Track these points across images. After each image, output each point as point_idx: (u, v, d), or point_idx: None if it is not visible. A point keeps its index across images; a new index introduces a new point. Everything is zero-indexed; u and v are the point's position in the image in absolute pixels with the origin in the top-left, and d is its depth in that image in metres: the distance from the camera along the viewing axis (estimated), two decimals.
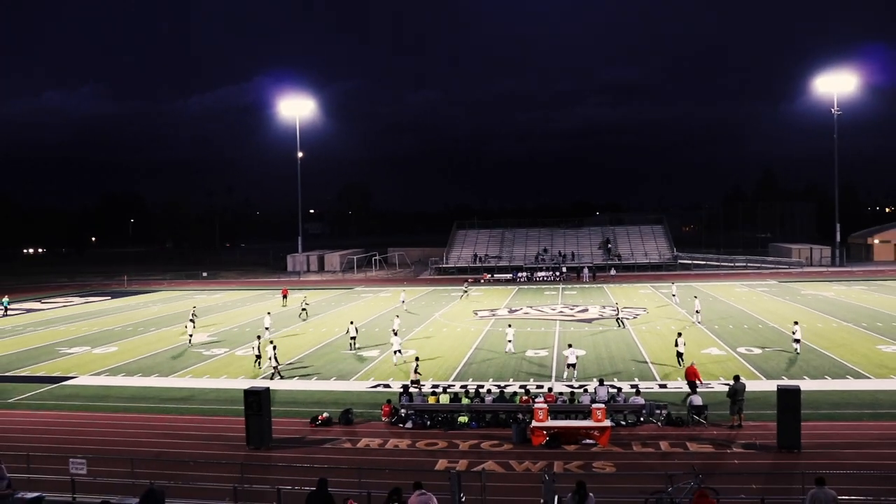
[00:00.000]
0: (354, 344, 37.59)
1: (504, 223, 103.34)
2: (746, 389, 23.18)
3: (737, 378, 23.17)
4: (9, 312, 56.57)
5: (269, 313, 45.93)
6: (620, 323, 43.12)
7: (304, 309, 50.58)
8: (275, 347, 31.82)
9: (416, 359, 29.84)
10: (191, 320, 42.99)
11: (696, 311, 43.96)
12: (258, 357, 33.35)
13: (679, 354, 31.58)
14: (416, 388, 26.32)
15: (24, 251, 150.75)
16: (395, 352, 34.00)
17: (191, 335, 40.75)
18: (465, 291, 63.19)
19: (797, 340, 33.94)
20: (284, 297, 60.38)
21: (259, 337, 35.69)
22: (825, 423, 22.66)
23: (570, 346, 31.20)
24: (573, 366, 29.67)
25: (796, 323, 35.17)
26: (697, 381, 25.55)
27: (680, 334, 32.94)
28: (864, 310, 47.13)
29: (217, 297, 66.68)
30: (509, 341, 36.18)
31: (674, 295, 55.43)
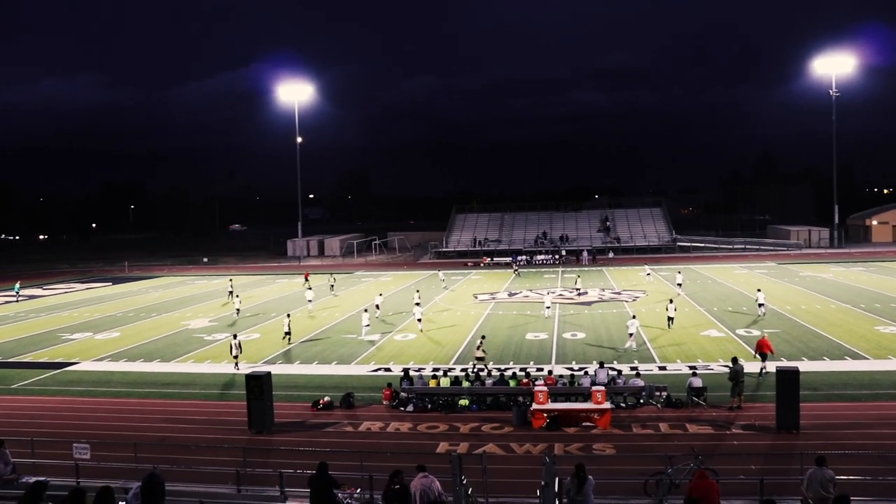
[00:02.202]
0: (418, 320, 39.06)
1: (503, 207, 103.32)
2: (746, 371, 23.35)
3: (735, 360, 23.30)
4: (8, 298, 56.67)
5: (310, 288, 50.04)
6: (577, 289, 51.00)
7: (331, 286, 55.06)
8: (235, 336, 31.49)
9: (482, 337, 30.65)
10: (233, 293, 49.93)
11: (678, 284, 49.07)
12: (288, 333, 34.96)
13: (669, 318, 35.68)
14: (482, 364, 27.91)
15: (5, 237, 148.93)
16: (417, 320, 38.14)
17: (238, 309, 44.34)
18: (517, 272, 66.64)
19: (761, 305, 38.43)
20: (307, 279, 61.61)
21: (289, 315, 36.67)
22: (824, 404, 22.81)
23: (633, 316, 33.33)
24: (632, 335, 31.67)
25: (759, 290, 40.07)
26: (769, 353, 26.49)
27: (671, 300, 37.95)
28: (863, 291, 47.23)
29: (217, 282, 66.69)
30: (548, 307, 41.03)
31: (648, 274, 58.07)
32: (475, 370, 26.80)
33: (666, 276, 57.95)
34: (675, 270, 54.95)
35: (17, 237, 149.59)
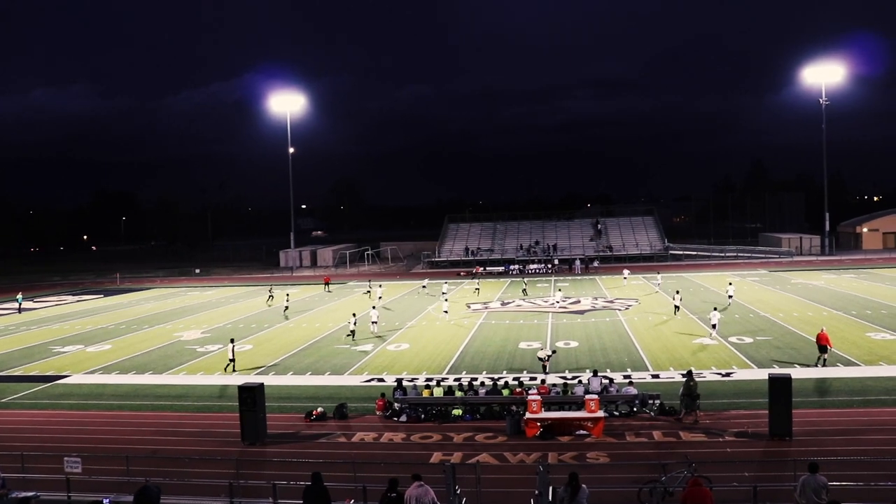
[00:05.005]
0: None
1: (495, 216, 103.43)
2: (739, 378, 23.34)
3: (689, 373, 22.81)
4: (7, 311, 56.48)
5: (380, 285, 59.27)
6: (525, 293, 56.04)
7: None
8: (232, 340, 32.68)
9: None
10: (272, 296, 55.65)
11: (657, 284, 55.73)
12: (352, 332, 37.94)
13: (676, 307, 41.57)
14: (545, 363, 29.40)
15: None
16: (444, 311, 43.71)
17: (287, 306, 50.38)
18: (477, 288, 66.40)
19: (730, 296, 45.39)
20: (327, 283, 65.75)
21: (354, 314, 40.26)
22: (816, 411, 22.86)
23: (714, 308, 36.51)
24: (715, 326, 34.82)
25: (730, 283, 48.04)
26: (829, 346, 28.12)
27: (678, 291, 44.01)
28: (854, 298, 47.44)
29: (210, 293, 66.56)
30: (557, 302, 47.52)
31: (625, 278, 62.50)
32: (543, 367, 29.17)
33: (660, 284, 58.08)
34: (655, 272, 62.73)
35: (9, 249, 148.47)
